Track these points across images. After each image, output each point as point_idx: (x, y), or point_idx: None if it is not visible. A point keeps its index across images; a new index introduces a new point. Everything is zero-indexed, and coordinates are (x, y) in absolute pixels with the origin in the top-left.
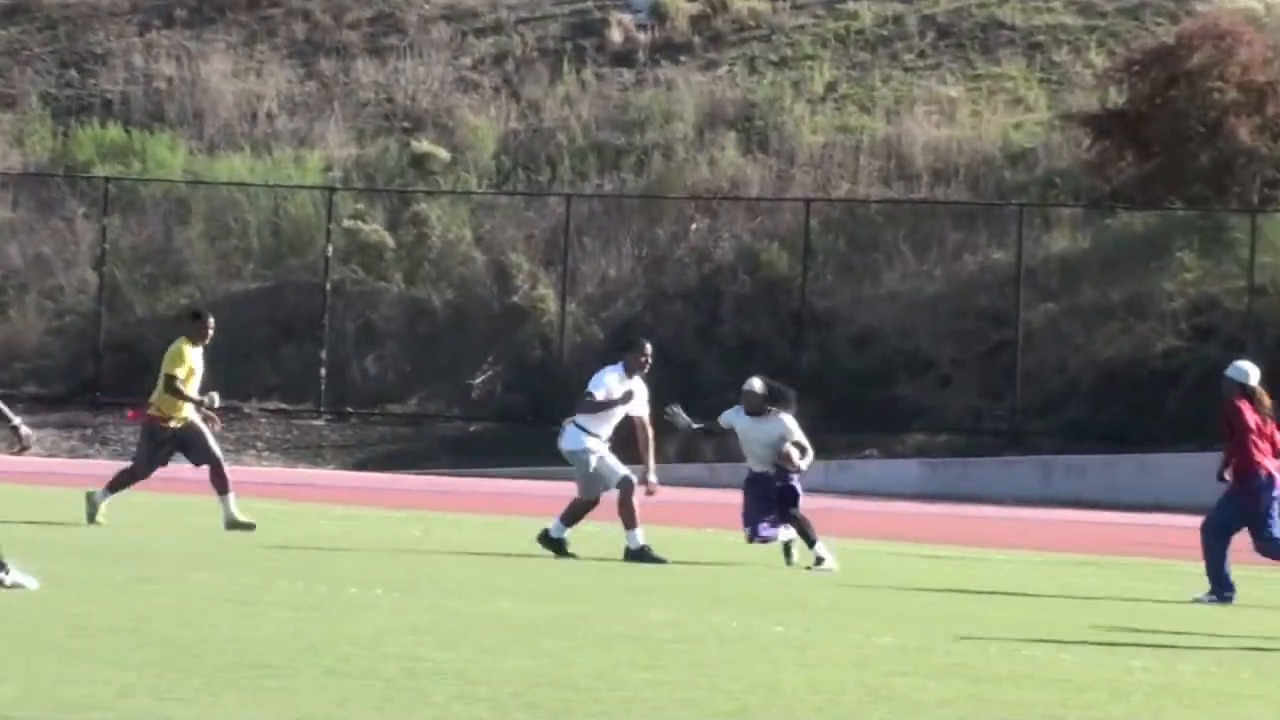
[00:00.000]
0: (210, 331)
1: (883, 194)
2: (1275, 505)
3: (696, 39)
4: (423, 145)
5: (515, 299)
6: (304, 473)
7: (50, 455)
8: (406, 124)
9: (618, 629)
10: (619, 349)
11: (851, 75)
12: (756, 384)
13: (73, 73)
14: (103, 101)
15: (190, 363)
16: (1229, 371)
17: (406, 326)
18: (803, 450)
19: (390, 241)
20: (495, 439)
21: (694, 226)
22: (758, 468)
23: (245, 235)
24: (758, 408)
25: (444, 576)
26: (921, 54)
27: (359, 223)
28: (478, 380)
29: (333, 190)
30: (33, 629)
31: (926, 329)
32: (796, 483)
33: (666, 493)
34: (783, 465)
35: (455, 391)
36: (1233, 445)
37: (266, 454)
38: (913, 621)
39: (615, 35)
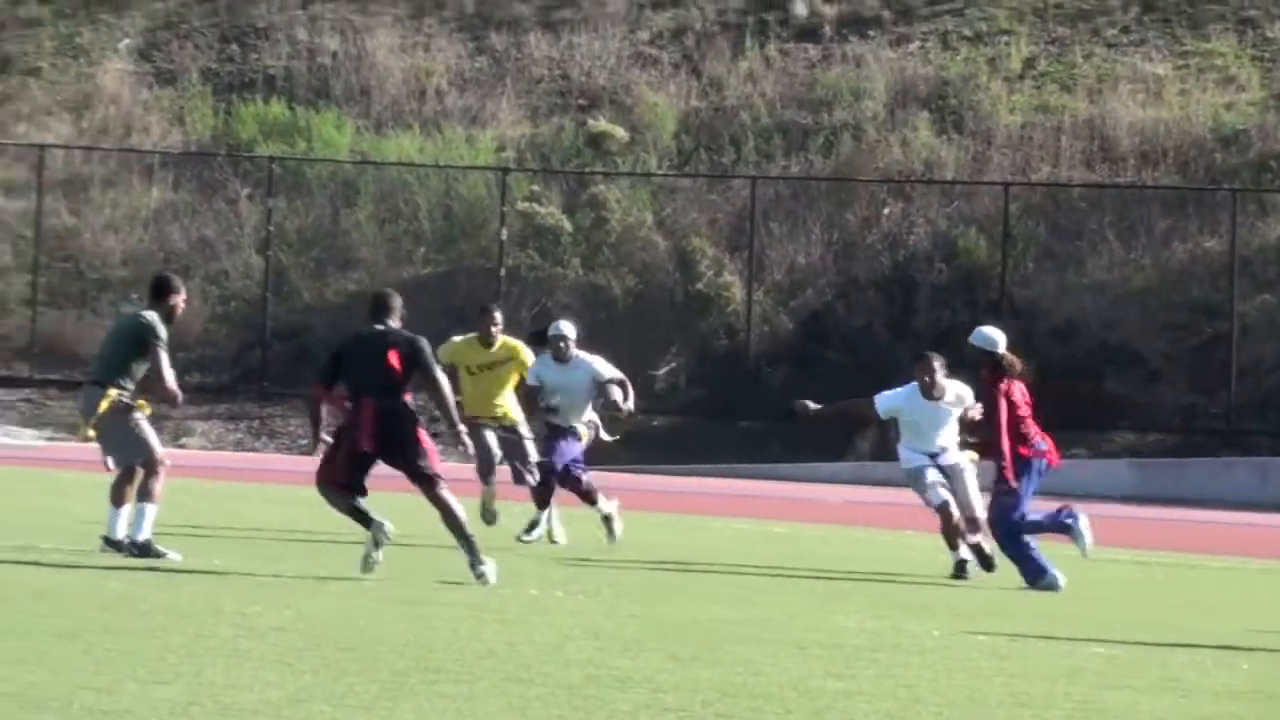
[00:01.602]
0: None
1: (1085, 177)
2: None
3: (886, 13)
4: (600, 124)
5: (699, 286)
6: None
7: (216, 448)
8: (582, 101)
9: (810, 636)
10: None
11: (1050, 51)
12: None
13: (234, 47)
14: (265, 77)
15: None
16: (974, 339)
17: (585, 314)
18: None
19: (567, 225)
20: (678, 434)
21: (886, 211)
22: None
23: (415, 218)
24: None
25: (627, 579)
26: (1125, 29)
27: (534, 205)
28: (660, 372)
29: (506, 171)
30: (201, 629)
31: (1134, 321)
32: None
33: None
34: None
35: (636, 384)
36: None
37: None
38: (1123, 631)
39: (800, 9)
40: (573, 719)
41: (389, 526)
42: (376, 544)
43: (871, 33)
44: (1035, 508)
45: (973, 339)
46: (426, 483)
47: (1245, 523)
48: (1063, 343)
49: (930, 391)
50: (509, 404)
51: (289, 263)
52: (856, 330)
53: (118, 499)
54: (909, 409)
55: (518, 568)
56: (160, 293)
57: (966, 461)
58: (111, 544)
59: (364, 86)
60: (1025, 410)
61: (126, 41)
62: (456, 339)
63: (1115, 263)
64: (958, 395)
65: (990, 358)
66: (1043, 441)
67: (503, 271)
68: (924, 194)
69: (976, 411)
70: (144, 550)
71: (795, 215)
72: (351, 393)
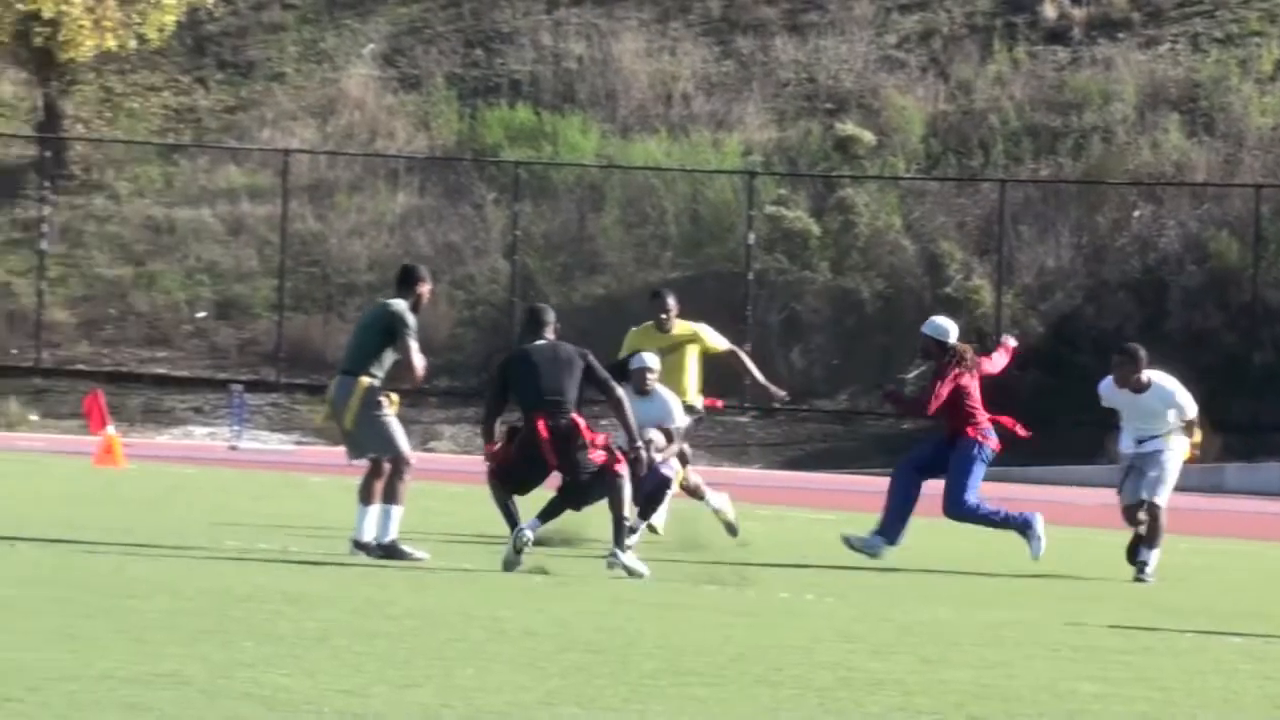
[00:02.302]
0: None
1: None
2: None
3: (1135, 15)
4: (847, 128)
5: (948, 290)
6: (729, 471)
7: (464, 451)
8: (829, 105)
9: (1063, 638)
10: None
11: None
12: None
13: (479, 52)
14: (510, 82)
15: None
16: (926, 328)
17: (833, 318)
18: None
19: (815, 228)
20: (929, 437)
21: (1136, 214)
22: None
23: (662, 222)
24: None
25: (877, 582)
26: None
27: (781, 209)
28: (910, 375)
29: (753, 175)
30: (451, 632)
31: None
32: None
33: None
34: None
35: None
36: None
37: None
38: None
39: (1049, 11)
40: None
41: (528, 535)
42: (517, 549)
43: (1121, 35)
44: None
45: (924, 328)
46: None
47: None
48: None
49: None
50: (692, 388)
51: (535, 267)
52: (1107, 333)
53: (366, 496)
54: (1107, 398)
55: (766, 570)
56: (407, 282)
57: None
58: (360, 546)
59: (609, 91)
60: (976, 399)
61: (371, 46)
62: (634, 329)
63: None
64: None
65: (940, 346)
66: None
67: (750, 275)
68: (1174, 196)
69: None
70: (390, 551)
71: (1044, 218)
72: (526, 408)
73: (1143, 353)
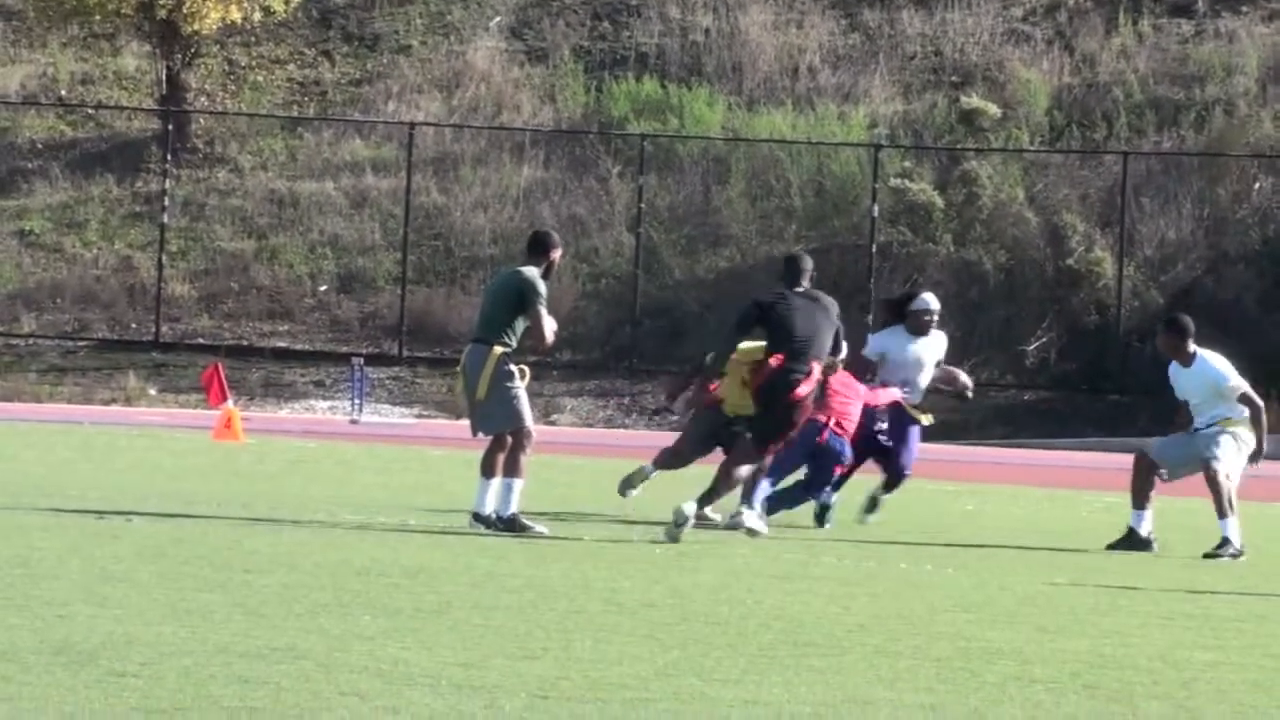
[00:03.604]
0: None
1: None
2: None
3: None
4: (972, 100)
5: (1070, 262)
6: None
7: (586, 425)
8: (955, 78)
9: (1178, 607)
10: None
11: None
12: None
13: (605, 25)
14: (637, 55)
15: None
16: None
17: (956, 290)
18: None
19: (939, 201)
20: (1050, 409)
21: (1257, 186)
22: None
23: (787, 195)
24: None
25: (997, 552)
26: None
27: (906, 181)
28: (1031, 347)
29: (879, 148)
30: (570, 604)
31: None
32: None
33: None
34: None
35: (1008, 358)
36: None
37: None
38: None
39: None
40: (941, 690)
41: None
42: (677, 523)
43: (1244, 8)
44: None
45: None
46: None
47: None
48: None
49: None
50: None
51: (660, 240)
52: (1226, 304)
53: (488, 469)
54: (1171, 375)
55: (885, 544)
56: (539, 248)
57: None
58: (480, 519)
59: (736, 64)
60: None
61: (497, 19)
62: None
63: None
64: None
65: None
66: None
67: (874, 248)
68: None
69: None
70: (511, 525)
71: (1166, 190)
72: (776, 349)
73: (1188, 323)
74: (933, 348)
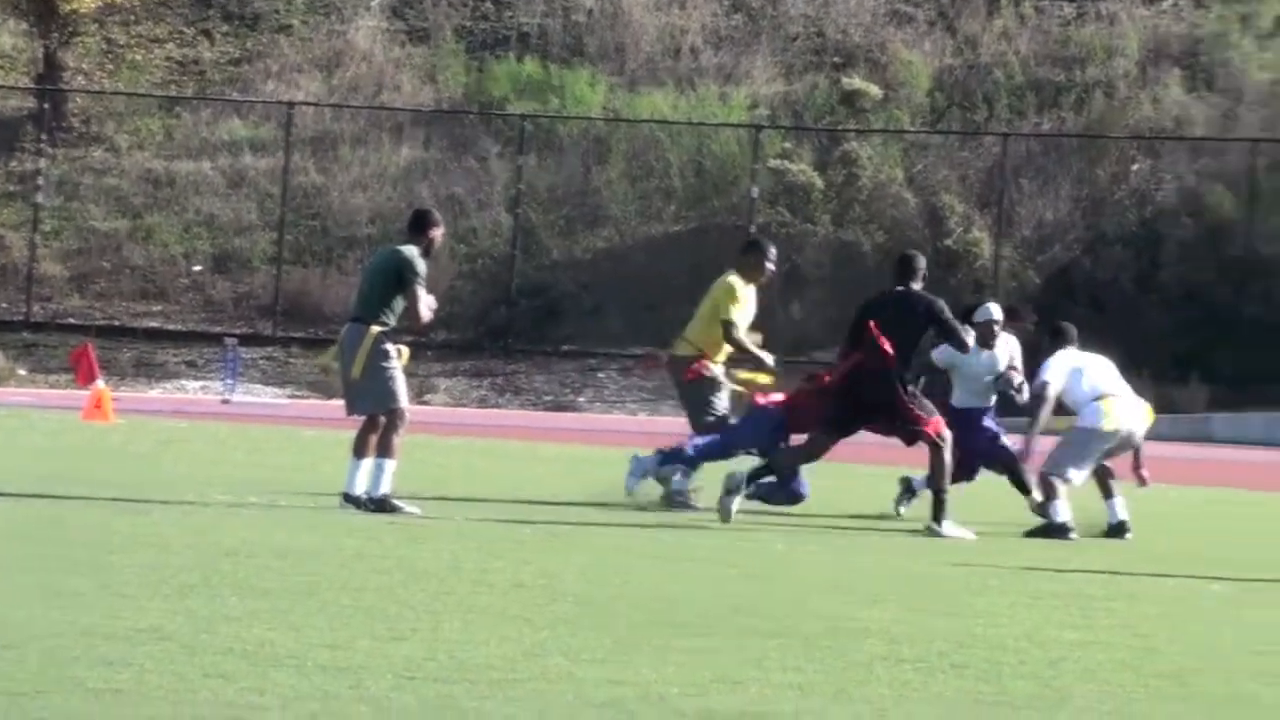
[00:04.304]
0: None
1: None
2: None
3: None
4: (854, 81)
5: (948, 242)
6: None
7: (459, 405)
8: (837, 59)
9: (1048, 587)
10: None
11: None
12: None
13: (488, 4)
14: (519, 35)
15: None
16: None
17: (834, 271)
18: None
19: (818, 182)
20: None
21: (1135, 167)
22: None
23: (667, 175)
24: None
25: (868, 533)
26: None
27: (786, 162)
28: None
29: (759, 128)
30: (440, 586)
31: None
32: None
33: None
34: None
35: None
36: None
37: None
38: None
39: None
40: (809, 670)
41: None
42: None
43: None
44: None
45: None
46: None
47: None
48: None
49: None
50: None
51: (538, 220)
52: (1103, 285)
53: (360, 450)
54: None
55: (759, 526)
56: (420, 226)
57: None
58: (351, 500)
59: (618, 44)
60: None
61: None
62: (735, 279)
63: None
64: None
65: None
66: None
67: (753, 228)
68: (1173, 151)
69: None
70: (381, 506)
71: (1045, 172)
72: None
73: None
74: (1003, 354)
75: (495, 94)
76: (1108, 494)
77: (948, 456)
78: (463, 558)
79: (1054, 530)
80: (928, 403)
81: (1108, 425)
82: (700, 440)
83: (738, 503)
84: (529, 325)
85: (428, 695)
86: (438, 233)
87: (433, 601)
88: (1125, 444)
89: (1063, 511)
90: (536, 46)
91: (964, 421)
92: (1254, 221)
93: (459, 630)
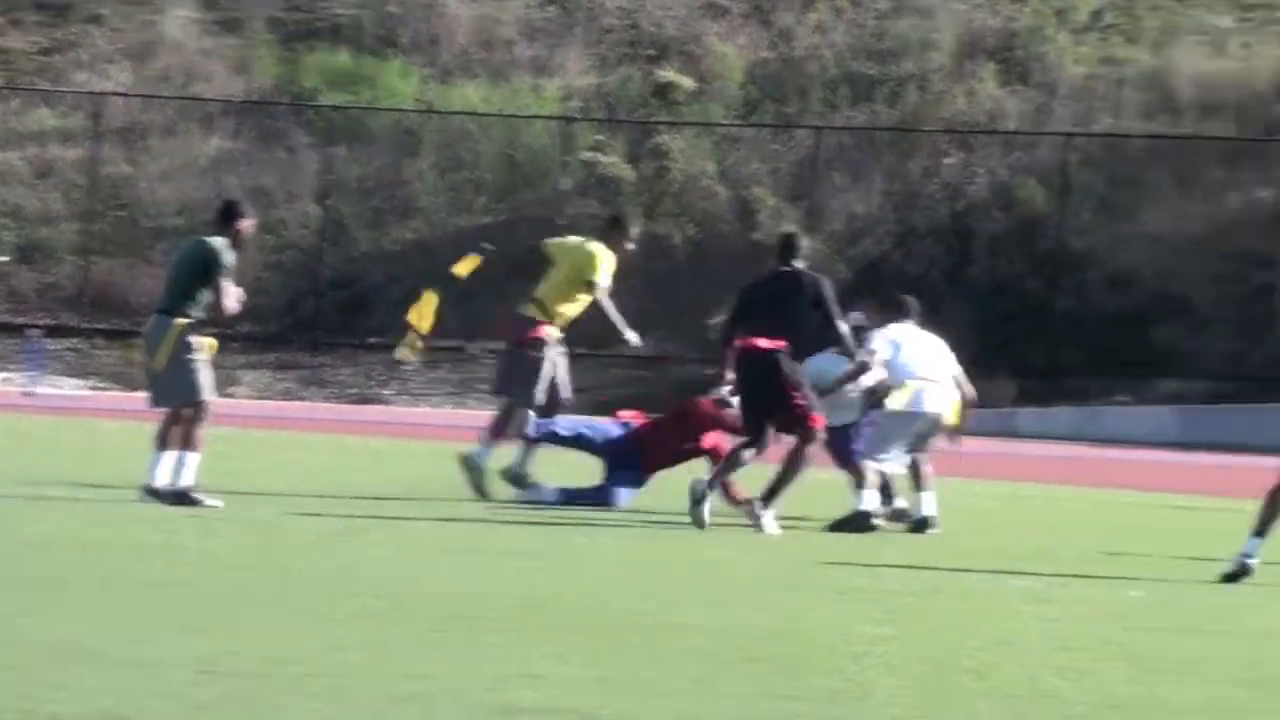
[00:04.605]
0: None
1: (1145, 129)
2: None
3: None
4: (667, 74)
5: (759, 235)
6: None
7: (264, 397)
8: (651, 51)
9: (852, 582)
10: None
11: (1117, 4)
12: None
13: None
14: (332, 26)
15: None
16: None
17: (645, 264)
18: None
19: (630, 174)
20: None
21: (947, 161)
22: None
23: (478, 167)
24: None
25: (674, 525)
26: None
27: (598, 155)
28: (716, 320)
29: (570, 120)
30: (241, 579)
31: (1185, 270)
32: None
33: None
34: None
35: (696, 332)
36: None
37: (492, 397)
38: (1163, 575)
39: None
40: (612, 664)
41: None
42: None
43: None
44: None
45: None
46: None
47: None
48: (1115, 292)
49: None
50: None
51: (347, 212)
52: (913, 278)
53: (163, 442)
54: None
55: (559, 519)
56: (228, 217)
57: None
58: (152, 492)
59: (432, 36)
60: None
61: None
62: (599, 244)
63: (1169, 213)
64: None
65: None
66: None
67: (563, 221)
68: (985, 144)
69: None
70: (182, 498)
71: (858, 165)
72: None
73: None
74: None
75: (306, 85)
76: (919, 487)
77: (810, 451)
78: (264, 551)
79: (858, 519)
80: (813, 393)
81: (912, 408)
82: (559, 425)
83: (708, 507)
84: (336, 317)
85: (227, 689)
86: (246, 224)
87: (233, 595)
88: (934, 426)
89: (869, 500)
90: (349, 38)
91: None
92: (1065, 215)
93: (259, 624)
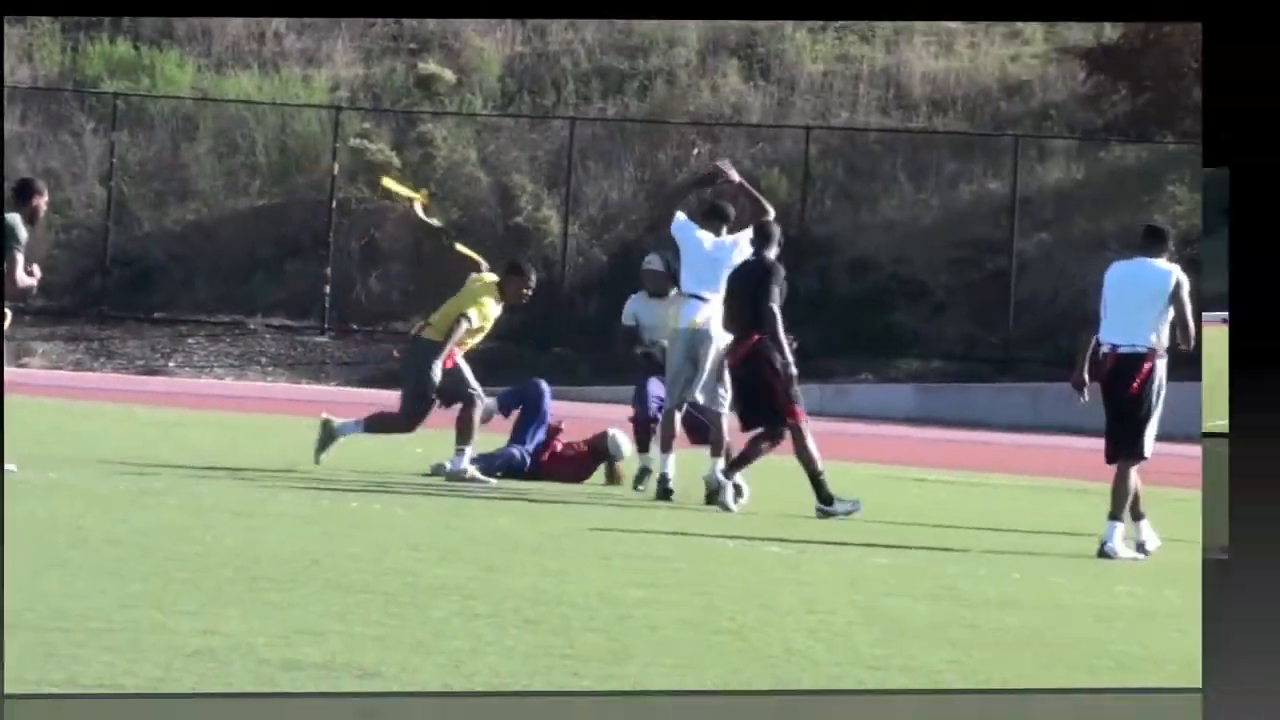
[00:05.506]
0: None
1: (881, 123)
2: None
3: None
4: (429, 67)
5: (519, 220)
6: (307, 388)
7: (55, 367)
8: (413, 45)
9: (615, 548)
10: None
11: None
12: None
13: None
14: (111, 18)
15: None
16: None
17: (411, 246)
18: None
19: (396, 161)
20: (496, 359)
21: (695, 152)
22: None
23: (252, 153)
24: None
25: (443, 493)
26: None
27: (365, 142)
28: None
29: (339, 109)
30: (36, 540)
31: (922, 257)
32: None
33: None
34: None
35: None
36: None
37: (271, 370)
38: (905, 543)
39: None
40: (389, 624)
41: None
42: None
43: None
44: None
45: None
46: None
47: (1019, 444)
48: (856, 276)
49: None
50: None
51: (130, 193)
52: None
53: None
54: None
55: (339, 484)
56: (24, 195)
57: None
58: None
59: (205, 28)
60: None
61: None
62: (486, 279)
63: (906, 202)
64: None
65: None
66: None
67: (334, 204)
68: (731, 137)
69: None
70: None
71: (611, 155)
72: None
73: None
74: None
75: (89, 73)
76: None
77: (779, 442)
78: (58, 514)
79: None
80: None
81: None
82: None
83: (730, 493)
84: (122, 293)
85: (27, 644)
86: (42, 201)
87: (30, 556)
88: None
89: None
90: (129, 29)
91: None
92: (808, 204)
93: (56, 583)
